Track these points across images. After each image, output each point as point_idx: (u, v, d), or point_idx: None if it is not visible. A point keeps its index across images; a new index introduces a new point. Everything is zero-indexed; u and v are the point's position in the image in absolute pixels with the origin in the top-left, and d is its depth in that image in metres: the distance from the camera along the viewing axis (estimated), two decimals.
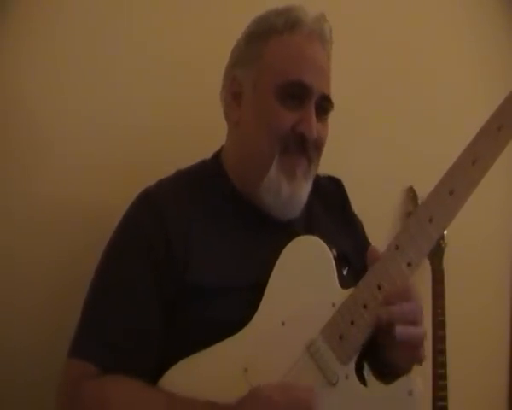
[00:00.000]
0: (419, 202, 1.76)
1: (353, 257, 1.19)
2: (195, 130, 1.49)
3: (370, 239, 1.39)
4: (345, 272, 1.16)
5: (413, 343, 1.04)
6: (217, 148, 1.29)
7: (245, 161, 1.19)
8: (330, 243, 1.13)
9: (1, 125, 1.34)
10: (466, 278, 1.84)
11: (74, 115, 1.40)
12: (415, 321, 1.03)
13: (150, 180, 1.22)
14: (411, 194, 1.79)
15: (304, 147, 1.15)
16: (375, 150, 1.75)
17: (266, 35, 1.17)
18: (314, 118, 1.14)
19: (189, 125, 1.49)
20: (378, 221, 1.63)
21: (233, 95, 1.21)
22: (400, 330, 1.01)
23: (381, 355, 1.08)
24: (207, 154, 1.29)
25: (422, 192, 1.76)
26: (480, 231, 1.87)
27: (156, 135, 1.47)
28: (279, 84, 1.14)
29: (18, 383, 1.33)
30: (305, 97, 1.14)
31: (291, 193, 1.15)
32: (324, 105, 1.17)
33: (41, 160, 1.37)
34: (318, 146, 1.17)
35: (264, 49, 1.17)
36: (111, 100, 1.42)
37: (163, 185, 1.21)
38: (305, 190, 1.18)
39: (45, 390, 1.27)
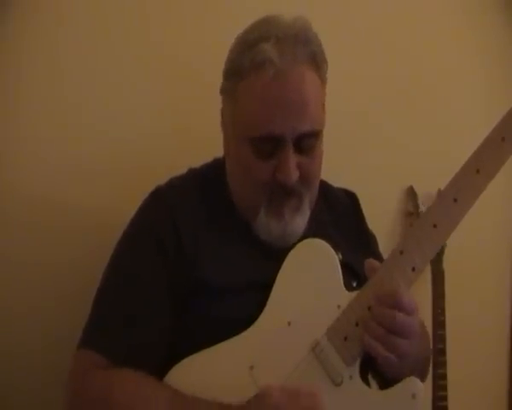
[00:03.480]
0: (419, 201, 1.77)
1: (362, 271, 1.17)
2: (197, 133, 1.49)
3: None
4: (354, 285, 1.16)
5: (397, 354, 1.02)
6: (218, 151, 1.27)
7: (238, 196, 1.20)
8: (336, 249, 1.14)
9: (1, 126, 1.33)
10: (466, 279, 1.85)
11: (75, 117, 1.39)
12: (401, 332, 1.02)
13: (153, 183, 1.23)
14: (411, 194, 1.79)
15: (287, 190, 1.13)
16: (375, 150, 1.75)
17: (236, 78, 1.13)
18: (290, 163, 1.10)
19: (193, 128, 1.49)
20: (378, 221, 1.62)
21: (222, 125, 1.21)
22: (367, 338, 1.03)
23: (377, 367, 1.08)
24: (209, 157, 1.29)
25: (422, 192, 1.77)
26: (480, 232, 1.86)
27: (160, 138, 1.47)
28: (251, 138, 1.11)
29: (18, 387, 1.33)
30: (278, 146, 1.11)
31: (282, 232, 1.16)
32: (306, 142, 1.12)
33: (40, 161, 1.37)
34: (306, 182, 1.14)
35: (236, 94, 1.14)
36: (113, 102, 1.43)
37: (174, 184, 1.22)
38: (298, 221, 1.16)
39: (45, 393, 1.27)
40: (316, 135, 1.13)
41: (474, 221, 1.80)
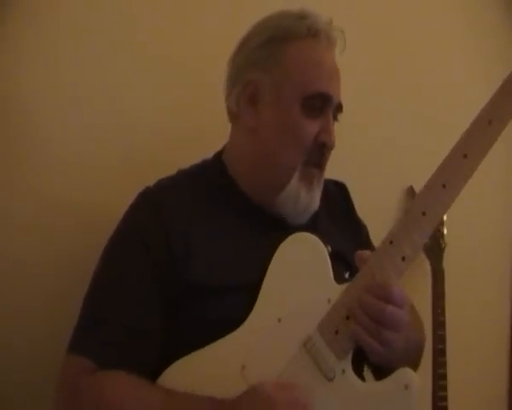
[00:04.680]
0: None
1: (354, 262, 1.16)
2: (195, 130, 1.49)
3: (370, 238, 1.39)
4: (347, 276, 1.16)
5: (384, 345, 1.01)
6: (217, 148, 1.28)
7: (262, 169, 1.19)
8: (329, 243, 1.13)
9: (1, 126, 1.34)
10: (466, 278, 1.84)
11: (74, 116, 1.39)
12: (390, 325, 1.01)
13: (150, 181, 1.22)
14: (411, 194, 1.79)
15: (323, 156, 1.17)
16: (375, 150, 1.75)
17: (286, 39, 1.16)
18: (333, 126, 1.17)
19: (188, 125, 1.49)
20: (378, 221, 1.62)
21: (248, 99, 1.19)
22: (355, 327, 1.02)
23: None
24: (207, 154, 1.29)
25: None
26: (480, 231, 1.87)
27: (156, 136, 1.47)
28: (304, 94, 1.15)
29: (17, 383, 1.33)
30: (326, 107, 1.16)
31: (308, 202, 1.18)
32: (337, 112, 1.21)
33: (41, 160, 1.37)
34: (331, 152, 1.19)
35: (285, 55, 1.16)
36: (111, 101, 1.43)
37: (163, 184, 1.21)
38: (318, 196, 1.20)
39: (43, 390, 1.27)
40: (342, 107, 1.22)
41: (475, 221, 1.82)
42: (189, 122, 1.49)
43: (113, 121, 1.43)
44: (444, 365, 1.73)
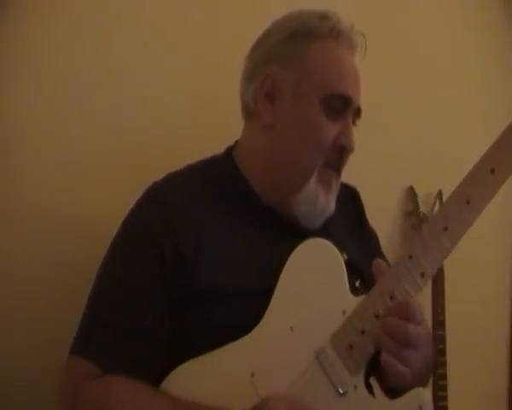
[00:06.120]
0: (419, 201, 1.77)
1: (365, 269, 1.14)
2: (198, 133, 1.48)
3: None
4: (357, 284, 1.13)
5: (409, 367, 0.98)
6: (217, 151, 1.26)
7: (279, 167, 1.16)
8: (342, 249, 1.11)
9: (1, 126, 1.33)
10: (466, 277, 1.85)
11: (75, 117, 1.38)
12: (413, 345, 0.98)
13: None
14: (411, 194, 1.79)
15: (342, 159, 1.15)
16: (375, 150, 1.74)
17: (309, 37, 1.14)
18: (352, 129, 1.15)
19: (191, 127, 1.48)
20: (378, 221, 1.63)
21: (266, 94, 1.16)
22: (385, 355, 0.97)
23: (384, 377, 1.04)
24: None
25: (422, 192, 1.77)
26: (481, 231, 1.85)
27: (156, 139, 1.45)
28: (325, 94, 1.13)
29: (18, 385, 1.33)
30: (346, 110, 1.14)
31: (326, 205, 1.15)
32: (356, 117, 1.18)
33: (41, 161, 1.36)
34: (349, 156, 1.17)
35: (307, 51, 1.14)
36: (113, 102, 1.41)
37: (172, 180, 1.17)
38: (334, 200, 1.17)
39: (44, 392, 1.27)
40: (361, 113, 1.19)
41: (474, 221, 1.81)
42: (192, 124, 1.48)
43: (114, 123, 1.42)
44: (444, 364, 1.73)
